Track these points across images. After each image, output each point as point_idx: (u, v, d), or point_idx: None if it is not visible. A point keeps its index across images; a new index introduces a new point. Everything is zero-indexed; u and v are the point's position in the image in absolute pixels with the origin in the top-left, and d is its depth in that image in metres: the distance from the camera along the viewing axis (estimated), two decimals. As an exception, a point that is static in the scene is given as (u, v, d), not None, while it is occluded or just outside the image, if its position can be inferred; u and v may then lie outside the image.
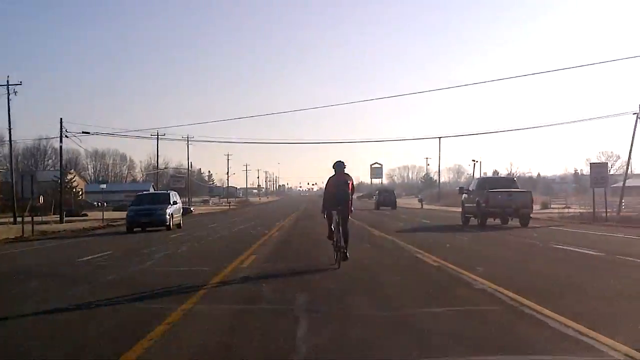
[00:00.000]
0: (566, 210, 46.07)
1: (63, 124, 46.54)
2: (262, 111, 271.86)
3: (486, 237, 21.88)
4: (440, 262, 13.22)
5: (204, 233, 27.08)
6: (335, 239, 12.46)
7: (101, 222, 38.84)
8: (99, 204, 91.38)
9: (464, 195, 30.45)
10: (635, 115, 36.96)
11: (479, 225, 26.71)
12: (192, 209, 62.23)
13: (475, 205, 27.54)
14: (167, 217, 29.31)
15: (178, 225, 30.94)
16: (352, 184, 12.92)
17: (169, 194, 33.02)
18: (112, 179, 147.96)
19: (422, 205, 65.36)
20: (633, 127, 37.16)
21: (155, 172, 74.87)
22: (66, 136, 45.73)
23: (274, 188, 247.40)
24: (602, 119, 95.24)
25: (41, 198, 36.79)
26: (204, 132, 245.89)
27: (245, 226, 31.91)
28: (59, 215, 45.76)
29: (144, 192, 40.38)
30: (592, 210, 33.18)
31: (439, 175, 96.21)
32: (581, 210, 41.46)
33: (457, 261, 13.05)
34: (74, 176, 78.69)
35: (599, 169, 33.57)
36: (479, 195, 27.19)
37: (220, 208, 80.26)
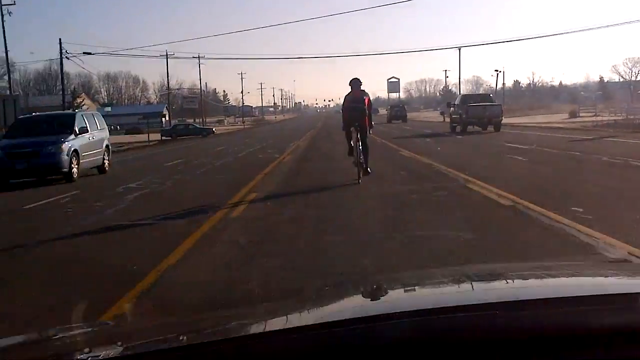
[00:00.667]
0: (597, 118, 43.38)
1: (63, 45, 44.08)
2: (276, 25, 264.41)
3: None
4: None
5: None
6: (355, 155, 12.82)
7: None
8: (112, 127, 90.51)
9: (452, 109, 36.78)
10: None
11: (461, 132, 33.15)
12: (214, 129, 60.86)
13: (458, 116, 34.32)
14: (64, 158, 16.69)
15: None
16: (369, 99, 13.07)
17: (73, 115, 19.30)
18: (126, 101, 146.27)
19: (444, 118, 62.37)
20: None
21: (167, 93, 72.47)
22: (67, 57, 43.31)
23: (291, 106, 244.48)
24: (627, 24, 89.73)
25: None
26: (216, 49, 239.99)
27: (254, 149, 28.40)
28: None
29: (29, 116, 22.41)
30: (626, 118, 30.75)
31: (459, 87, 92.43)
32: (616, 118, 38.84)
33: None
34: (83, 100, 76.41)
35: None
36: (461, 109, 33.82)
37: (235, 127, 78.31)
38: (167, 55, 65.69)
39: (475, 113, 32.59)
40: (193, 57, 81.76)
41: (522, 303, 1.48)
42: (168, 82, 67.45)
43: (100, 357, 1.33)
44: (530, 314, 1.35)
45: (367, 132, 12.86)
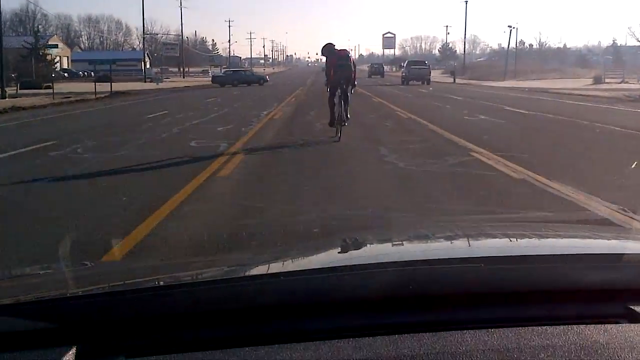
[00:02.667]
0: (627, 85, 37.41)
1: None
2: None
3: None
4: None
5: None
6: (336, 112, 12.81)
7: (52, 98, 30.76)
8: (85, 73, 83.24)
9: (402, 69, 56.07)
10: None
11: (405, 85, 48.31)
12: (267, 77, 52.70)
13: (405, 74, 51.48)
14: None
15: None
16: (353, 59, 13.20)
17: None
18: (108, 46, 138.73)
19: (454, 79, 56.91)
20: None
21: (143, 38, 65.21)
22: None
23: (282, 59, 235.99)
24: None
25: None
26: None
27: (212, 116, 19.79)
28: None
29: None
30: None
31: (465, 43, 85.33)
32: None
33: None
34: (46, 42, 68.87)
35: None
36: (406, 70, 52.13)
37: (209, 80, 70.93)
38: (142, -5, 58.57)
39: (414, 73, 50.15)
40: None
41: (506, 259, 1.52)
42: (143, 24, 60.25)
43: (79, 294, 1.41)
44: (514, 268, 1.40)
45: (354, 86, 13.14)
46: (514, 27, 61.85)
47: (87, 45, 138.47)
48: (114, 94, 35.44)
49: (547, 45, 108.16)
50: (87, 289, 1.52)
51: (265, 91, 38.04)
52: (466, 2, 75.22)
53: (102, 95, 34.03)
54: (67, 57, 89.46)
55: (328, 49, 13.03)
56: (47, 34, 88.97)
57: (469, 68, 74.38)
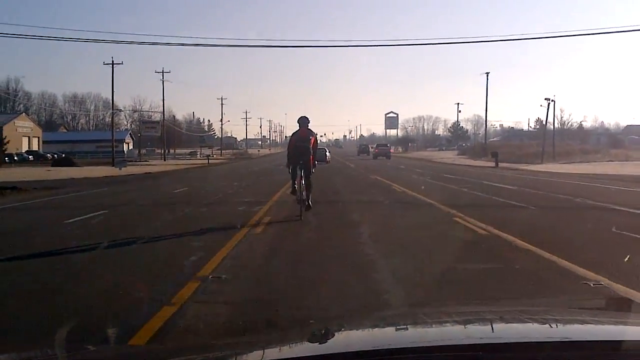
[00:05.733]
0: None
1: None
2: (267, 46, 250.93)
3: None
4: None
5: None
6: (298, 193, 13.04)
7: None
8: (55, 155, 73.67)
9: (372, 148, 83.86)
10: None
11: (374, 159, 67.99)
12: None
13: (374, 151, 74.92)
14: None
15: None
16: (315, 139, 13.36)
17: None
18: (94, 127, 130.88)
19: (497, 163, 44.39)
20: None
21: (112, 114, 55.49)
22: None
23: (281, 140, 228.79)
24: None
25: None
26: (193, 72, 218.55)
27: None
28: None
29: None
30: None
31: (486, 120, 75.49)
32: None
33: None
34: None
35: None
36: (374, 148, 77.79)
37: (191, 163, 61.05)
38: (112, 63, 49.58)
39: (379, 151, 70.79)
40: (156, 72, 66.13)
41: (504, 346, 1.51)
42: (112, 98, 50.82)
43: None
44: (512, 356, 1.40)
45: (311, 171, 13.07)
46: (551, 100, 51.99)
47: (71, 125, 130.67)
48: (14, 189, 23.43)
49: (570, 124, 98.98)
50: None
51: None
52: (487, 74, 66.41)
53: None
54: (38, 137, 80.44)
55: (300, 122, 13.32)
56: (12, 111, 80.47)
57: (490, 149, 64.82)
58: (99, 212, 14.20)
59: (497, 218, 12.26)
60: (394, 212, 14.10)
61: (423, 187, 21.61)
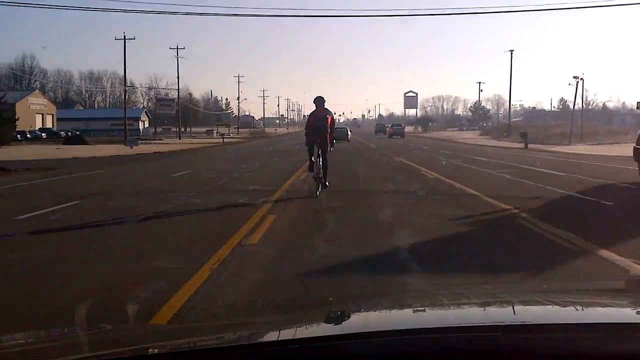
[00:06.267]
0: None
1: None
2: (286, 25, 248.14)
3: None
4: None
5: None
6: (315, 171, 13.32)
7: None
8: (69, 133, 72.48)
9: (387, 127, 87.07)
10: None
11: (389, 137, 72.25)
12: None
13: (389, 130, 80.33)
14: None
15: None
16: (332, 118, 13.79)
17: None
18: (111, 104, 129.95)
19: (526, 144, 41.75)
20: None
21: (124, 90, 54.31)
22: None
23: (299, 118, 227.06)
24: None
25: None
26: (205, 49, 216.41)
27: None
28: None
29: None
30: None
31: (510, 100, 73.17)
32: None
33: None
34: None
35: None
36: (390, 128, 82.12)
37: (206, 142, 59.42)
38: (124, 38, 48.17)
39: (394, 130, 76.86)
40: (171, 49, 64.75)
41: (523, 327, 1.52)
42: (125, 74, 49.50)
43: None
44: (529, 337, 1.40)
45: (328, 149, 13.41)
46: (580, 78, 49.89)
47: (87, 102, 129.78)
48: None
49: (595, 104, 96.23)
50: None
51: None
52: (511, 51, 64.19)
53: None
54: (52, 114, 79.55)
55: (316, 102, 13.71)
56: (28, 88, 79.60)
57: (514, 129, 62.75)
58: (65, 205, 11.75)
59: (587, 222, 9.59)
60: (434, 210, 10.90)
61: (457, 172, 19.64)
